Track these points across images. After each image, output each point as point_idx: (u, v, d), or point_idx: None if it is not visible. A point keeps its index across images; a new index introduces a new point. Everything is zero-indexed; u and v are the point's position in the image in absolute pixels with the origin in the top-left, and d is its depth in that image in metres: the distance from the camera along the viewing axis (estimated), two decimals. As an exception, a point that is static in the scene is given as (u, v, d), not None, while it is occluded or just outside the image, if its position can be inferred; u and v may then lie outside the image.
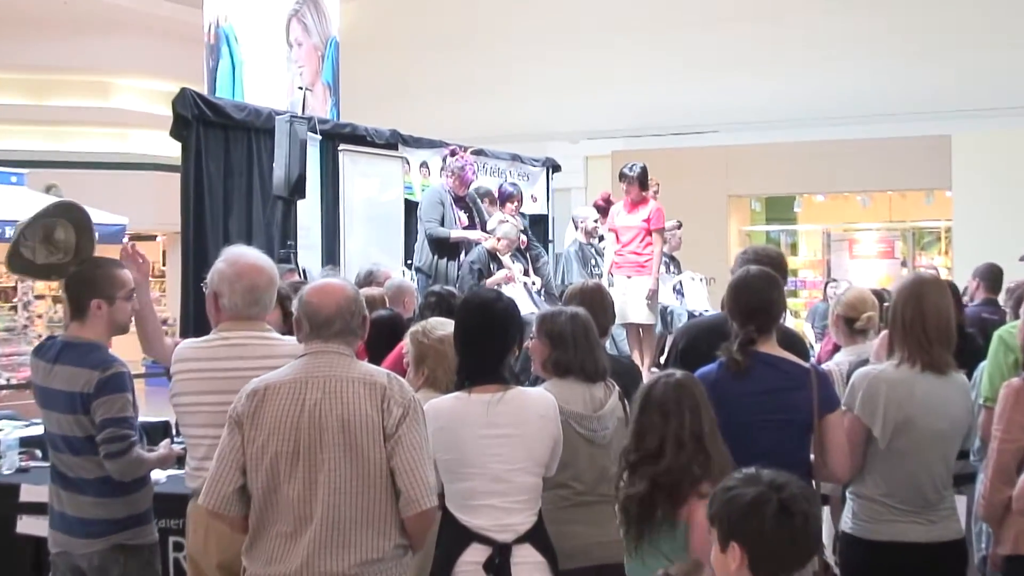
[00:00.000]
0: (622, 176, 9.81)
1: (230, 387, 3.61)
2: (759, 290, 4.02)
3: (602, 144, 17.90)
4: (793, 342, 4.48)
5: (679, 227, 11.52)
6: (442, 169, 11.62)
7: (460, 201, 10.22)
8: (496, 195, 11.05)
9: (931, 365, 3.98)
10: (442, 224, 9.96)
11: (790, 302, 16.60)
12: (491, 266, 9.74)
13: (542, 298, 10.09)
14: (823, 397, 3.90)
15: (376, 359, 4.99)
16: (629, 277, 9.66)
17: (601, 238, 11.05)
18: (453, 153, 10.62)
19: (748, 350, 3.92)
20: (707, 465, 3.39)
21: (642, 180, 9.72)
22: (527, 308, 8.94)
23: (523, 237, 10.52)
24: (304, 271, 9.11)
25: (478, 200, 10.58)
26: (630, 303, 9.46)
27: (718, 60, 16.95)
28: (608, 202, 11.26)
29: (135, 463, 4.23)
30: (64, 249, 4.44)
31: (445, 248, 9.93)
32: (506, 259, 9.96)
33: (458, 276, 9.78)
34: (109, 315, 4.35)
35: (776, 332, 4.03)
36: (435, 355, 4.29)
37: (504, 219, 10.26)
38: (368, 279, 7.69)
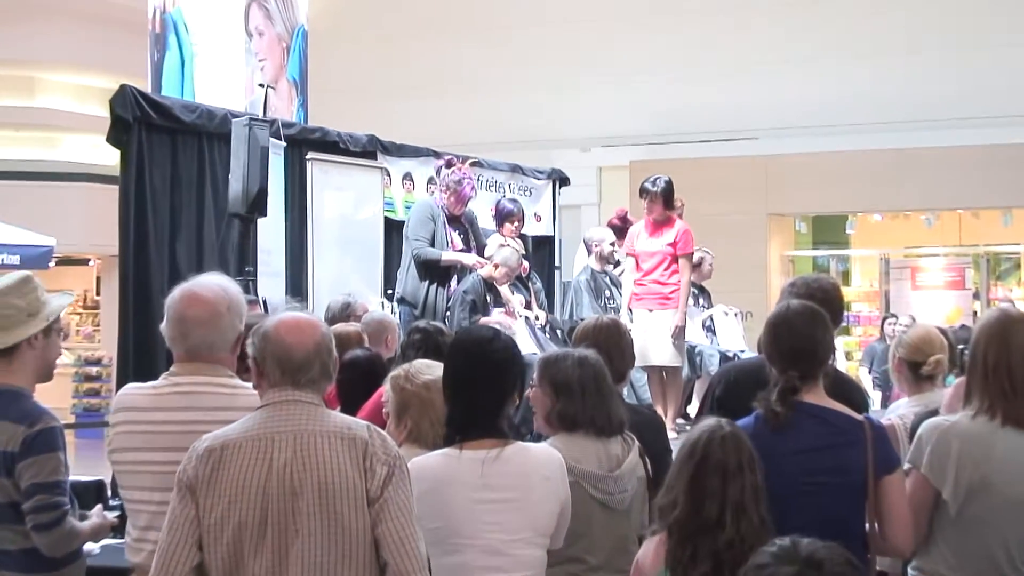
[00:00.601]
0: (643, 191, 9.82)
1: (180, 443, 3.60)
2: (801, 329, 4.04)
3: (619, 153, 17.97)
4: (848, 390, 4.51)
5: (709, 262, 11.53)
6: (430, 181, 11.65)
7: (455, 221, 10.24)
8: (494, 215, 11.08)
9: (1015, 418, 3.99)
10: (432, 245, 9.98)
11: (842, 341, 16.62)
12: (487, 297, 9.77)
13: (547, 336, 10.10)
14: (880, 455, 3.92)
15: (351, 408, 5.00)
16: (651, 311, 9.67)
17: (617, 264, 11.07)
18: (449, 164, 10.64)
19: (790, 400, 3.94)
20: (767, 533, 3.41)
21: (667, 196, 9.74)
22: (529, 348, 8.97)
23: (525, 263, 10.54)
24: (264, 302, 9.12)
25: (476, 221, 10.59)
26: (652, 342, 9.47)
27: (757, 54, 17.03)
28: (625, 221, 11.27)
29: (68, 536, 4.22)
30: None
31: (434, 273, 9.94)
32: (504, 290, 9.98)
33: (447, 309, 9.79)
34: (43, 350, 4.36)
35: (826, 378, 4.06)
36: (419, 404, 4.28)
37: (504, 242, 10.28)
38: (345, 312, 7.70)
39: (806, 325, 4.05)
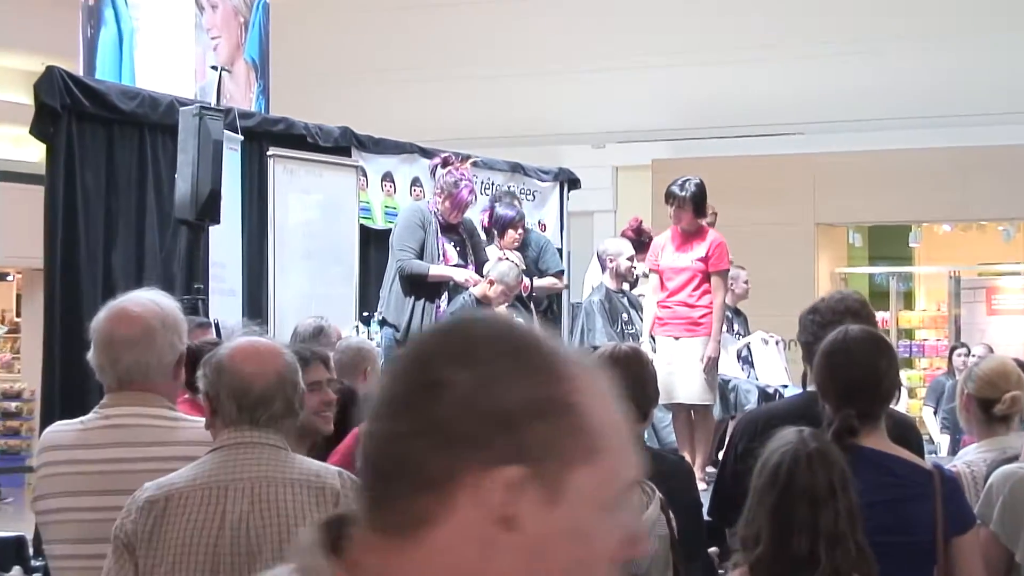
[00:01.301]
0: (669, 196, 9.80)
1: (110, 485, 3.60)
2: (862, 359, 4.04)
3: (638, 150, 17.96)
4: (905, 432, 4.50)
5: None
6: (414, 182, 11.66)
7: (450, 230, 10.22)
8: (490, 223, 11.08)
9: (1105, 468, 4.00)
10: (420, 257, 9.96)
11: (904, 375, 16.58)
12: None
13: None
14: (952, 511, 3.92)
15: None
16: (677, 339, 9.66)
17: (637, 282, 11.07)
18: (446, 164, 10.64)
19: (848, 444, 3.93)
20: (866, 562, 3.42)
21: (697, 202, 9.71)
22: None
23: (526, 281, 10.53)
24: (217, 325, 9.11)
25: (476, 232, 10.56)
26: (678, 375, 9.46)
27: (802, 35, 17.03)
28: (640, 233, 11.28)
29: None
30: None
31: (421, 291, 9.92)
32: (502, 311, 9.97)
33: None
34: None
35: (887, 419, 4.05)
36: None
37: (503, 256, 10.27)
38: (318, 339, 7.70)
39: (868, 355, 4.05)
